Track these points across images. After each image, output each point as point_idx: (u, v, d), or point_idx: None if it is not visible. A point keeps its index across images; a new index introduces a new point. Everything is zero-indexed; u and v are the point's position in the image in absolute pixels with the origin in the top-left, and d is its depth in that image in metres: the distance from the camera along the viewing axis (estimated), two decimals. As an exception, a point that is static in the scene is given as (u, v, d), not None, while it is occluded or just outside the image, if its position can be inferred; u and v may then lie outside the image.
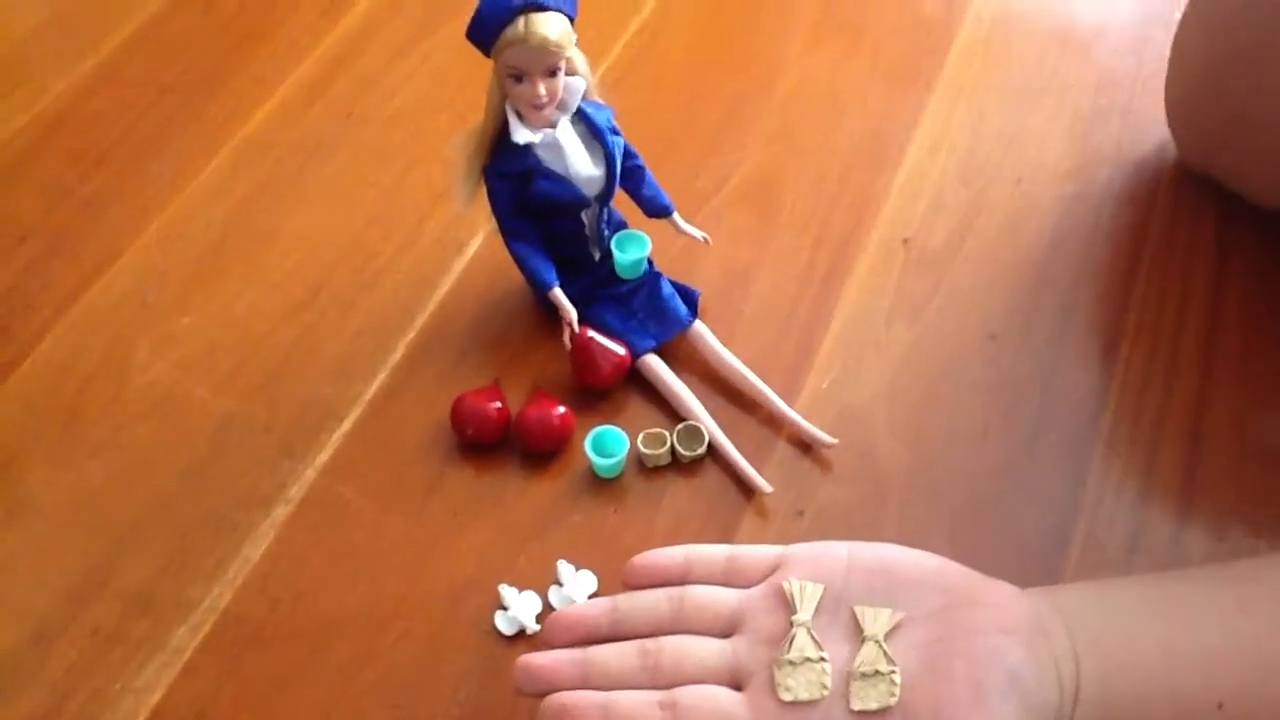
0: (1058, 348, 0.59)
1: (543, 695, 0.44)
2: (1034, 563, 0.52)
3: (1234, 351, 0.58)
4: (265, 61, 0.75)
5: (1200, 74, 0.61)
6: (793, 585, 0.45)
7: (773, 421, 0.57)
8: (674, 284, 0.60)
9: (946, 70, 0.73)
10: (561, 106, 0.54)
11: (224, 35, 0.77)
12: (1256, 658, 0.42)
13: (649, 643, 0.45)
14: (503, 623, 0.51)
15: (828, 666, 0.43)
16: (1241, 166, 0.62)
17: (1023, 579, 0.46)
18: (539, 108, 0.53)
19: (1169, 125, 0.65)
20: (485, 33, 0.51)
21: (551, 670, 0.45)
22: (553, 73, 0.52)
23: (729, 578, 0.47)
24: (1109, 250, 0.63)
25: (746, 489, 0.55)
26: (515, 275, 0.58)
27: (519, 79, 0.52)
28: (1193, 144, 0.65)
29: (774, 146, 0.69)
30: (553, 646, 0.46)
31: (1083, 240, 0.63)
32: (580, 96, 0.54)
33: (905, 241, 0.64)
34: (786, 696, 0.42)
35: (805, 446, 0.56)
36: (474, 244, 0.65)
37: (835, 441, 0.55)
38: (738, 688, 0.44)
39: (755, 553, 0.48)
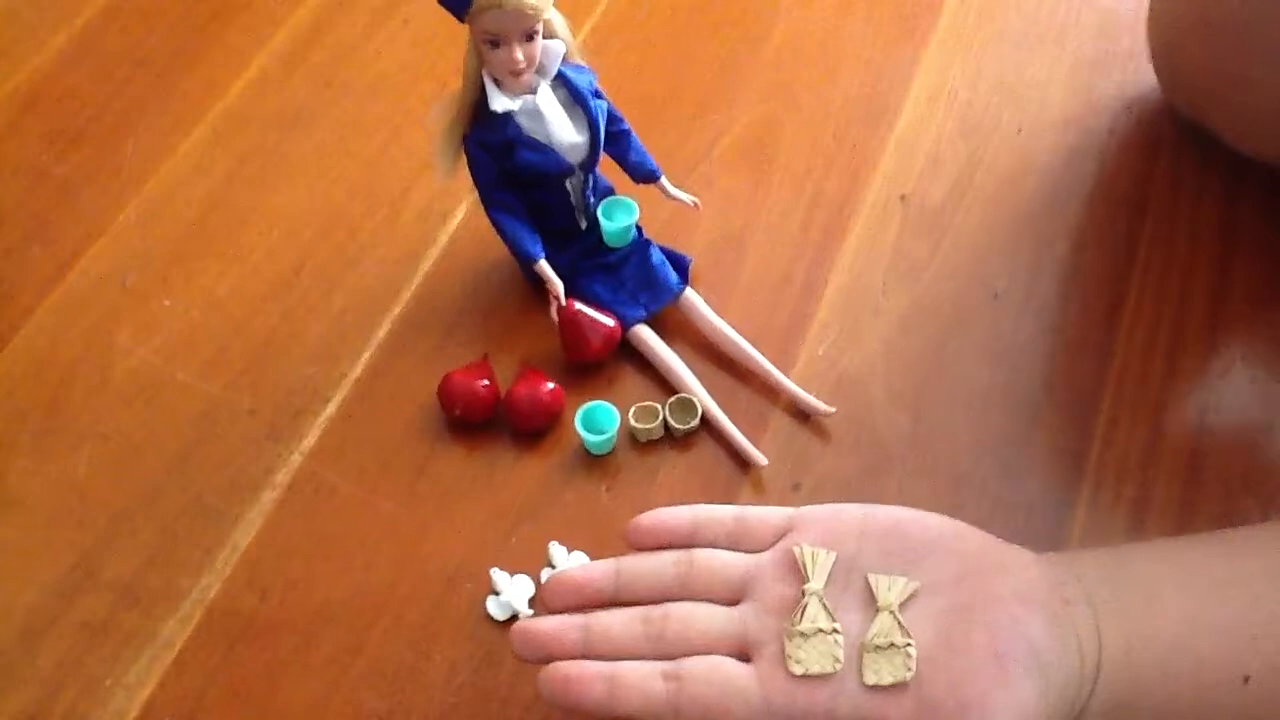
0: (1062, 306, 0.57)
1: (542, 663, 0.43)
2: (1039, 530, 0.51)
3: (1241, 308, 0.57)
4: (241, 32, 0.73)
5: (1183, 12, 0.59)
6: (804, 552, 0.43)
7: (768, 391, 0.55)
8: (664, 251, 0.58)
9: (942, 20, 0.70)
10: (541, 71, 0.52)
11: (199, 6, 0.75)
12: None
13: (654, 610, 0.43)
14: (495, 608, 0.50)
15: (840, 638, 0.41)
16: (1226, 112, 0.59)
17: (1028, 546, 0.44)
18: (517, 73, 0.51)
19: (1154, 70, 0.63)
20: (458, -3, 0.49)
21: (552, 637, 0.43)
22: (530, 36, 0.50)
23: (737, 540, 0.45)
24: (1112, 203, 0.61)
25: (742, 461, 0.53)
26: (501, 246, 0.57)
27: (495, 44, 0.50)
28: (1177, 88, 0.62)
29: (766, 105, 0.67)
30: (553, 610, 0.45)
31: (1085, 193, 0.62)
32: (560, 60, 0.52)
33: (903, 198, 0.62)
34: (797, 669, 0.41)
35: (802, 416, 0.55)
36: (459, 214, 0.63)
37: (833, 410, 0.54)
38: (745, 658, 0.42)
39: (765, 514, 0.46)
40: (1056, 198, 0.62)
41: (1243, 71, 0.55)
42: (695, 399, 0.54)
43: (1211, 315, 0.57)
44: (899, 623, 0.41)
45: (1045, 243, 0.60)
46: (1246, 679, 0.40)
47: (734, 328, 0.57)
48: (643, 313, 0.57)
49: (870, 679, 0.40)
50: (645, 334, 0.56)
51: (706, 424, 0.54)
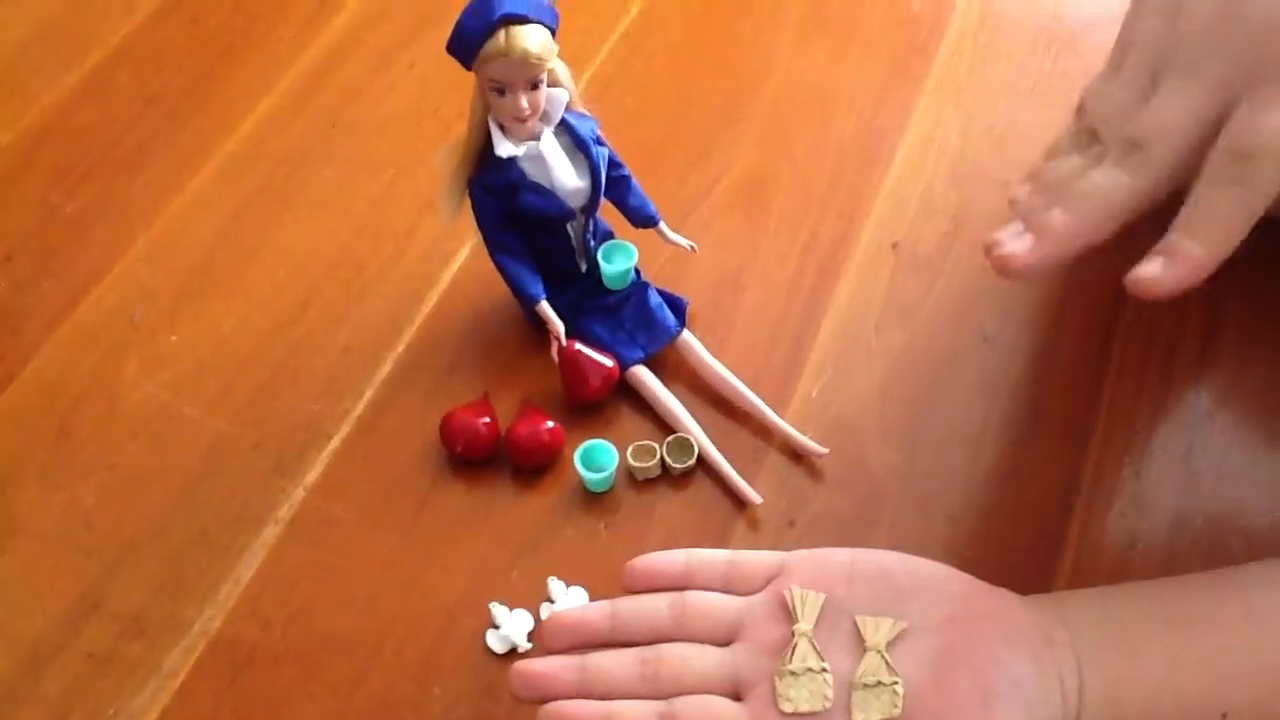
0: (1051, 349, 0.59)
1: (540, 702, 0.44)
2: (1030, 567, 0.52)
3: (1231, 347, 0.58)
4: (250, 73, 0.75)
5: None
6: (794, 594, 0.44)
7: (763, 431, 0.57)
8: (662, 293, 0.59)
9: (935, 69, 0.72)
10: (544, 119, 0.53)
11: (209, 47, 0.77)
12: (1263, 668, 0.42)
13: (648, 651, 0.45)
14: (495, 641, 0.51)
15: (829, 677, 0.42)
16: None
17: (1018, 584, 0.45)
18: (522, 120, 0.52)
19: None
20: (466, 46, 0.50)
21: (549, 677, 0.44)
22: (535, 85, 0.52)
23: (729, 583, 0.47)
24: (1101, 248, 0.62)
25: (738, 500, 0.55)
26: (503, 287, 0.58)
27: (501, 92, 0.51)
28: None
29: (762, 150, 0.69)
30: (550, 650, 0.46)
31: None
32: (563, 108, 0.54)
33: (894, 246, 0.64)
34: (788, 708, 0.42)
35: (797, 455, 0.56)
36: (462, 255, 0.64)
37: (826, 451, 0.55)
38: (737, 697, 0.43)
39: (756, 558, 0.47)
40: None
41: None
42: (692, 438, 0.55)
43: (1200, 356, 0.58)
44: (886, 662, 0.42)
45: (1034, 287, 0.61)
46: (1224, 716, 0.41)
47: (730, 369, 0.58)
48: (641, 354, 0.58)
49: (859, 716, 0.42)
50: (643, 374, 0.58)
51: (703, 463, 0.56)
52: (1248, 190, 0.40)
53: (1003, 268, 0.43)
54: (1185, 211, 0.41)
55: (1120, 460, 0.55)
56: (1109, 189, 0.42)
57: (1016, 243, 0.43)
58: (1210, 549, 0.52)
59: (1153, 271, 0.41)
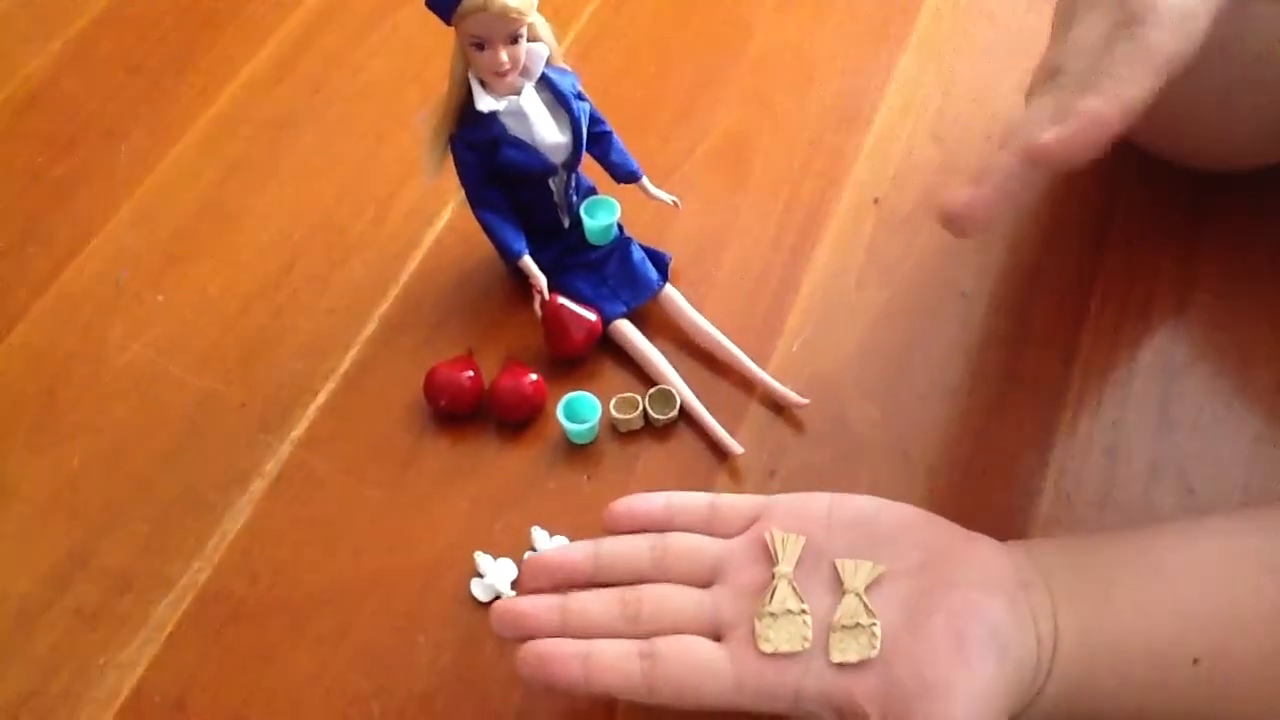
0: (1028, 304, 0.59)
1: (521, 641, 0.44)
2: (1005, 520, 0.52)
3: (1205, 301, 0.58)
4: (232, 39, 0.75)
5: None
6: (774, 536, 0.45)
7: (745, 384, 0.57)
8: (645, 249, 0.60)
9: (917, 29, 0.72)
10: (525, 73, 0.54)
11: (191, 13, 0.77)
12: (1233, 615, 0.42)
13: (629, 591, 0.45)
14: (479, 590, 0.51)
15: (808, 619, 0.43)
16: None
17: (996, 533, 0.46)
18: (502, 75, 0.53)
19: None
20: (445, 1, 0.50)
21: (530, 616, 0.45)
22: (514, 39, 0.52)
23: (710, 526, 0.47)
24: (1078, 206, 0.63)
25: (719, 451, 0.55)
26: (486, 246, 0.58)
27: (481, 47, 0.52)
28: None
29: (745, 110, 0.69)
30: (532, 590, 0.46)
31: (1054, 197, 0.63)
32: (544, 63, 0.54)
33: (876, 202, 0.64)
34: (767, 648, 0.43)
35: (777, 408, 0.56)
36: (445, 215, 0.65)
37: (806, 402, 0.56)
38: (717, 638, 0.44)
39: (736, 502, 0.48)
40: (1024, 202, 0.63)
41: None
42: (674, 391, 0.56)
43: (1176, 311, 0.58)
44: (864, 604, 0.43)
45: (1012, 244, 0.62)
46: (1196, 661, 0.42)
47: (712, 323, 0.58)
48: (623, 308, 0.58)
49: (837, 657, 0.42)
50: (626, 328, 0.58)
51: (685, 415, 0.56)
52: (1140, 45, 0.40)
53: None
54: (1084, 80, 0.40)
55: (1096, 411, 0.55)
56: (1142, 50, 0.40)
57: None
58: (1185, 498, 0.52)
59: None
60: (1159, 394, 0.56)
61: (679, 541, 0.46)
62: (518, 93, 0.54)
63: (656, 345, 0.58)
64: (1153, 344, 0.58)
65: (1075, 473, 0.54)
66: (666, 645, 0.43)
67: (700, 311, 0.59)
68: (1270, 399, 0.56)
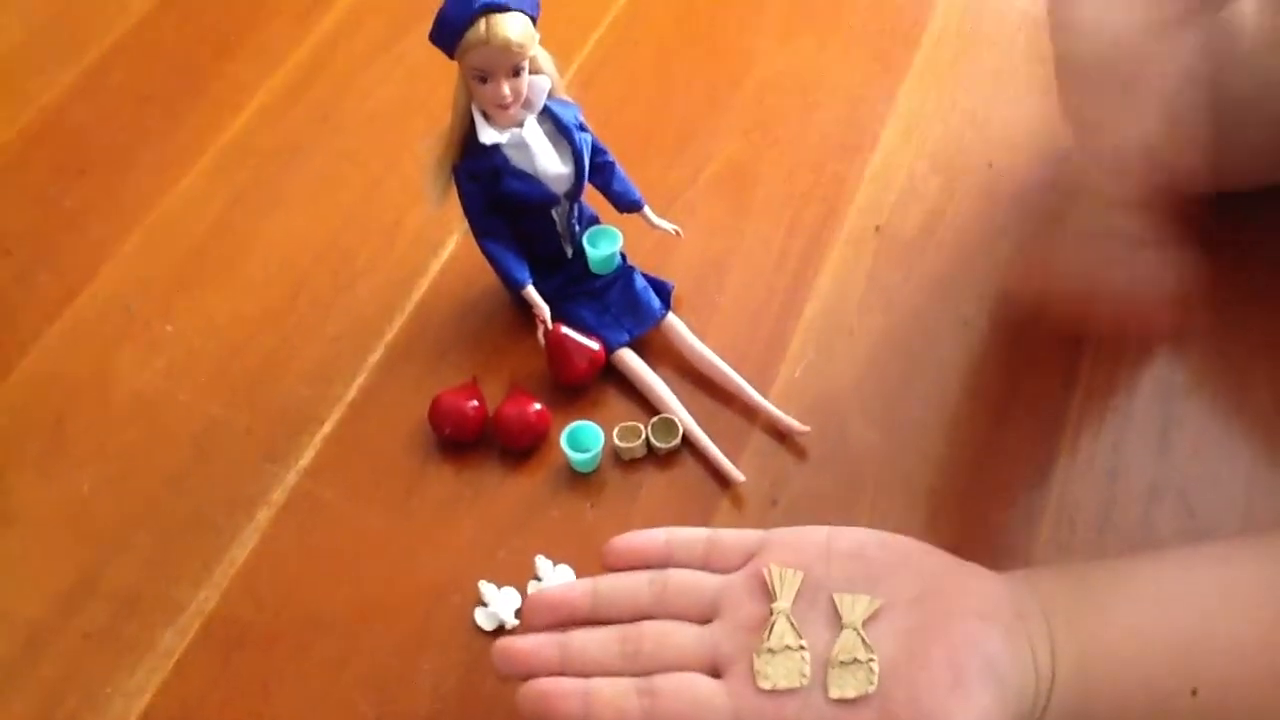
0: (1029, 330, 0.60)
1: (522, 679, 0.44)
2: (1006, 544, 0.52)
3: (1208, 330, 0.59)
4: (243, 68, 0.76)
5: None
6: (772, 572, 0.45)
7: (746, 411, 0.58)
8: (647, 277, 0.60)
9: (919, 57, 0.73)
10: (527, 105, 0.54)
11: (203, 44, 0.78)
12: (1232, 646, 0.42)
13: (629, 628, 0.45)
14: (483, 618, 0.51)
15: (807, 655, 0.43)
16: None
17: (995, 561, 0.46)
18: (505, 107, 0.53)
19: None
20: (448, 35, 0.51)
21: (531, 654, 0.45)
22: (517, 72, 0.53)
23: (709, 561, 0.47)
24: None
25: (722, 479, 0.55)
26: (491, 274, 0.59)
27: (484, 79, 0.52)
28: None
29: (747, 137, 0.70)
30: (533, 627, 0.46)
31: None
32: (546, 95, 0.55)
33: (877, 229, 0.64)
34: (765, 685, 0.43)
35: (779, 435, 0.57)
36: (450, 244, 0.65)
37: (807, 429, 0.56)
38: (717, 675, 0.44)
39: (735, 536, 0.48)
40: (1025, 229, 0.64)
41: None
42: (677, 419, 0.56)
43: (1176, 334, 0.59)
44: (862, 639, 0.43)
45: (1013, 272, 0.62)
46: (1195, 691, 0.42)
47: (714, 351, 0.59)
48: (626, 337, 0.59)
49: (835, 693, 0.42)
50: (629, 357, 0.59)
51: (687, 443, 0.56)
52: None
53: None
54: None
55: (1097, 434, 0.55)
56: None
57: None
58: (1186, 521, 0.52)
59: None
60: (1159, 417, 0.56)
61: (678, 578, 0.47)
62: (520, 125, 0.55)
63: (659, 373, 0.58)
64: (1152, 367, 0.58)
65: (1076, 496, 0.54)
66: (665, 682, 0.43)
67: (702, 338, 0.59)
68: (1270, 421, 0.56)
